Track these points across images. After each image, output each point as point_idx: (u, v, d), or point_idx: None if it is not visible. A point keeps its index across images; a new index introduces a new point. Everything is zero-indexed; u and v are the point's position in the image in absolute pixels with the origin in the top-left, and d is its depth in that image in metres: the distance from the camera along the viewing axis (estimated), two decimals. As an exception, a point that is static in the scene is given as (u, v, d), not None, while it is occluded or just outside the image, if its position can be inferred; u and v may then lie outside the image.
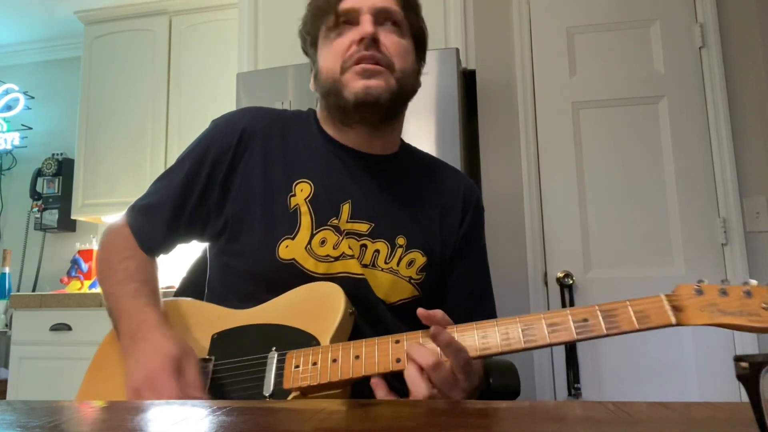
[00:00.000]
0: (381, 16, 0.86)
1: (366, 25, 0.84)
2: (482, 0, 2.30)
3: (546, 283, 2.12)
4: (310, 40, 0.92)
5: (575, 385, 1.96)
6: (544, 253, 2.14)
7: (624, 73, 2.18)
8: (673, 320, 0.59)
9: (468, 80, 2.20)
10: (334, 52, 0.86)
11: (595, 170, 2.15)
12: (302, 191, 0.85)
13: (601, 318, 0.61)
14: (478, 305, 0.93)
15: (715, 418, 0.46)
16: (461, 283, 0.92)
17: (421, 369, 0.64)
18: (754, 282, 0.58)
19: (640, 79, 2.16)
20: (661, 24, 2.18)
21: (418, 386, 0.63)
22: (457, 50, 1.97)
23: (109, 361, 0.81)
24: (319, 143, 0.90)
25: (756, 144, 2.07)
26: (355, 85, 0.83)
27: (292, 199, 0.85)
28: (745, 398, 0.33)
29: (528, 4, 2.30)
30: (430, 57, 1.98)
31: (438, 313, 0.66)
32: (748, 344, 1.93)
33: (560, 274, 2.08)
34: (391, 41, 0.86)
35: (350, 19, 0.86)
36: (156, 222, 0.88)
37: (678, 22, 2.17)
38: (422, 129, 1.90)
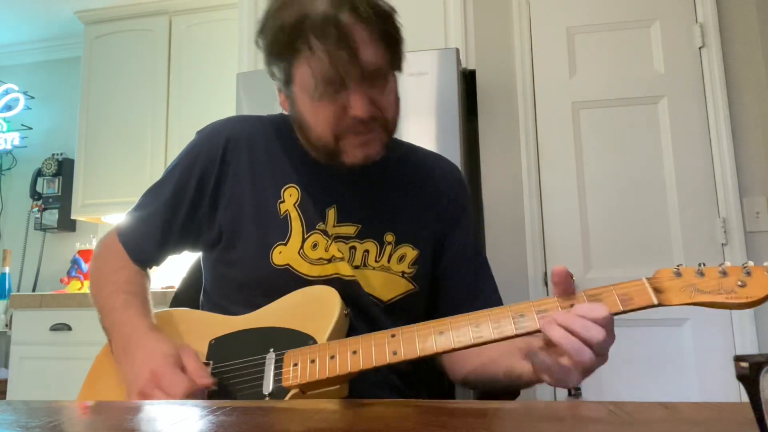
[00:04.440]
0: (369, 80, 0.77)
1: (361, 106, 0.76)
2: (482, 0, 2.30)
3: (546, 283, 2.12)
4: (282, 64, 0.81)
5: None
6: (544, 253, 2.14)
7: (624, 73, 2.18)
8: (655, 301, 0.62)
9: (468, 80, 2.20)
10: (323, 118, 0.78)
11: (595, 170, 2.15)
12: (291, 196, 0.86)
13: (587, 302, 0.63)
14: (476, 273, 0.92)
15: (714, 418, 0.45)
16: (456, 253, 0.92)
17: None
18: (728, 263, 0.62)
19: (640, 79, 2.16)
20: (661, 24, 2.17)
21: (582, 353, 0.60)
22: (457, 50, 1.97)
23: (106, 372, 0.82)
24: (300, 150, 0.89)
25: (756, 144, 2.06)
26: (355, 154, 0.79)
27: (281, 205, 0.85)
28: (745, 398, 0.33)
29: (528, 4, 2.30)
30: (430, 57, 2.00)
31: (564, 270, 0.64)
32: (748, 344, 1.92)
33: (560, 274, 2.08)
34: (380, 97, 0.79)
35: (338, 85, 0.77)
36: (147, 235, 0.89)
37: (678, 22, 2.16)
38: (422, 129, 1.89)
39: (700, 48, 2.13)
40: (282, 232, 0.84)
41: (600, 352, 0.61)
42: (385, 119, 0.81)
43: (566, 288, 0.65)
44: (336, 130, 0.79)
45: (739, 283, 0.60)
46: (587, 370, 0.62)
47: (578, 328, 0.60)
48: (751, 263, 0.61)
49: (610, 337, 0.61)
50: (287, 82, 0.81)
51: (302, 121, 0.82)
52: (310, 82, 0.76)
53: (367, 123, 0.78)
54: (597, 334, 0.60)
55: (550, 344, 0.63)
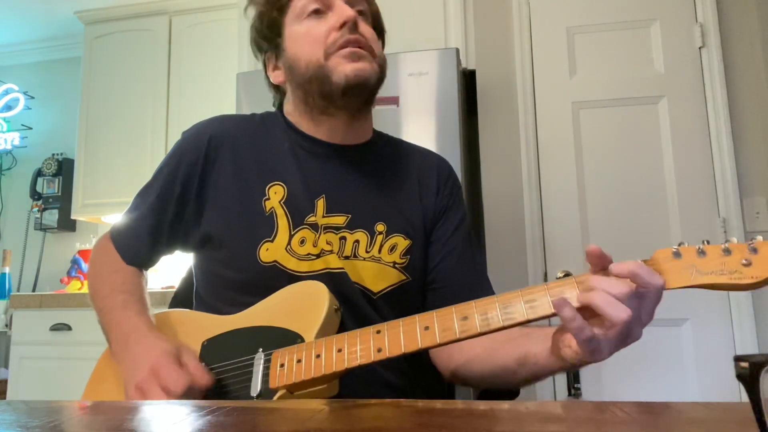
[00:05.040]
0: (353, 3, 0.88)
1: (346, 9, 0.85)
2: (482, 0, 2.30)
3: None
4: (270, 28, 0.92)
5: (575, 385, 1.96)
6: (544, 253, 2.14)
7: (624, 73, 2.18)
8: None
9: (468, 80, 2.20)
10: (312, 38, 0.85)
11: (595, 170, 2.15)
12: (276, 194, 0.85)
13: (578, 289, 0.59)
14: (467, 264, 0.92)
15: (714, 418, 0.45)
16: (445, 244, 0.92)
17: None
18: (734, 239, 0.56)
19: (640, 79, 2.16)
20: (661, 24, 2.17)
21: (616, 308, 0.55)
22: (457, 50, 1.97)
23: (107, 375, 0.82)
24: (289, 142, 0.90)
25: (756, 144, 2.07)
26: (344, 68, 0.83)
27: (266, 202, 0.85)
28: (745, 398, 0.33)
29: (528, 4, 2.30)
30: (430, 57, 2.00)
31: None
32: (748, 344, 1.92)
33: (560, 275, 2.08)
34: (365, 28, 0.87)
35: (323, 5, 0.87)
36: (137, 236, 0.90)
37: (678, 22, 2.16)
38: (422, 129, 1.89)
39: (700, 48, 2.13)
40: (268, 229, 0.83)
41: (637, 313, 0.56)
42: (369, 45, 0.85)
43: (603, 266, 0.60)
44: (326, 47, 0.84)
45: (744, 261, 0.54)
46: (623, 336, 0.57)
47: (605, 285, 0.56)
48: (759, 238, 0.54)
49: (646, 299, 0.57)
50: (278, 35, 0.90)
51: (294, 58, 0.87)
52: (302, 8, 0.87)
53: (357, 36, 0.84)
54: (624, 286, 0.56)
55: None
